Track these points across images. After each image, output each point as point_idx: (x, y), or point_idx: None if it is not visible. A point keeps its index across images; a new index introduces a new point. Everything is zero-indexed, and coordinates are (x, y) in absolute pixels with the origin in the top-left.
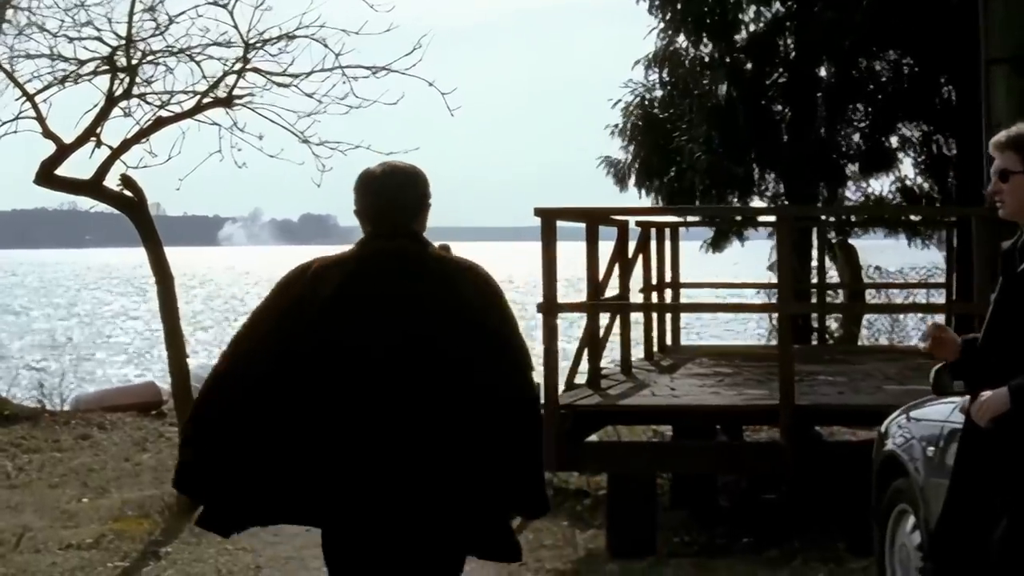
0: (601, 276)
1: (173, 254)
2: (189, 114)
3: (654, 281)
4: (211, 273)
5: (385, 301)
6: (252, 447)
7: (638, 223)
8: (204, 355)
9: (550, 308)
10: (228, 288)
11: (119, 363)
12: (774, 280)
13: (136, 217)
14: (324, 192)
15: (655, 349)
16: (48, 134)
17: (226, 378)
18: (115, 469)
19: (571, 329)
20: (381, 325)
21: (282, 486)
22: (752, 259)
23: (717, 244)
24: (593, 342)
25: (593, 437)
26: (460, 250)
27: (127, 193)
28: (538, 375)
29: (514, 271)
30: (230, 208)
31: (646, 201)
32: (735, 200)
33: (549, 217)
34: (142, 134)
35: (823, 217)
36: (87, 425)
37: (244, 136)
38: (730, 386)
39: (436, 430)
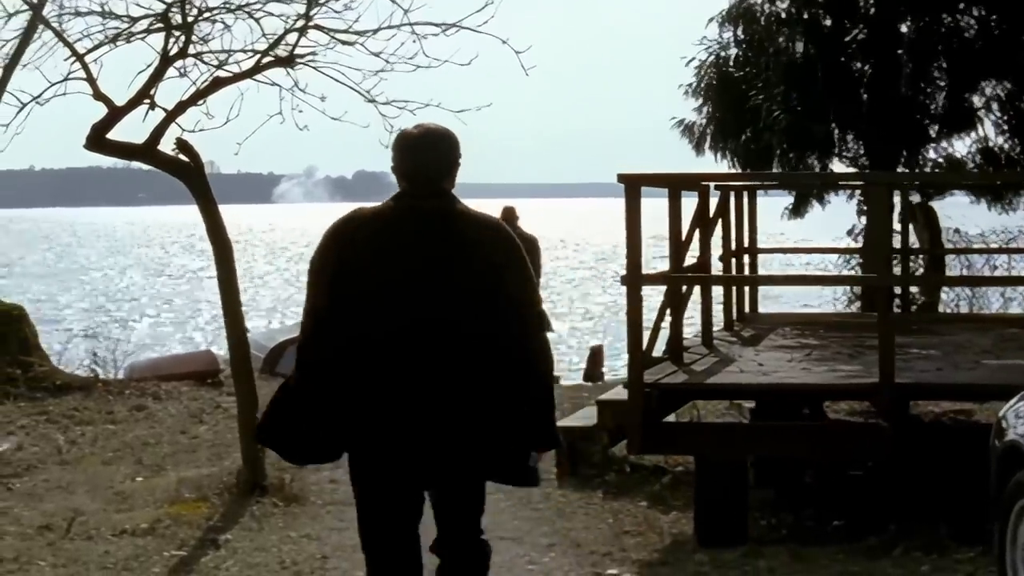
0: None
1: (228, 212)
2: (248, 74)
3: (733, 246)
4: (269, 231)
5: (417, 252)
6: (323, 388)
7: (717, 186)
8: (276, 317)
9: (635, 280)
10: (290, 247)
11: (176, 328)
12: (853, 245)
13: (192, 183)
14: (379, 149)
15: (734, 318)
16: (99, 96)
17: (305, 332)
18: (171, 443)
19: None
20: (414, 272)
21: (339, 420)
22: (822, 220)
23: (798, 210)
24: (675, 313)
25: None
26: (525, 206)
27: (183, 158)
28: (601, 349)
29: (568, 228)
30: (284, 165)
31: (723, 164)
32: (814, 161)
33: (633, 183)
34: (198, 95)
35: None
36: (141, 395)
37: (305, 97)
38: (819, 360)
39: (455, 373)
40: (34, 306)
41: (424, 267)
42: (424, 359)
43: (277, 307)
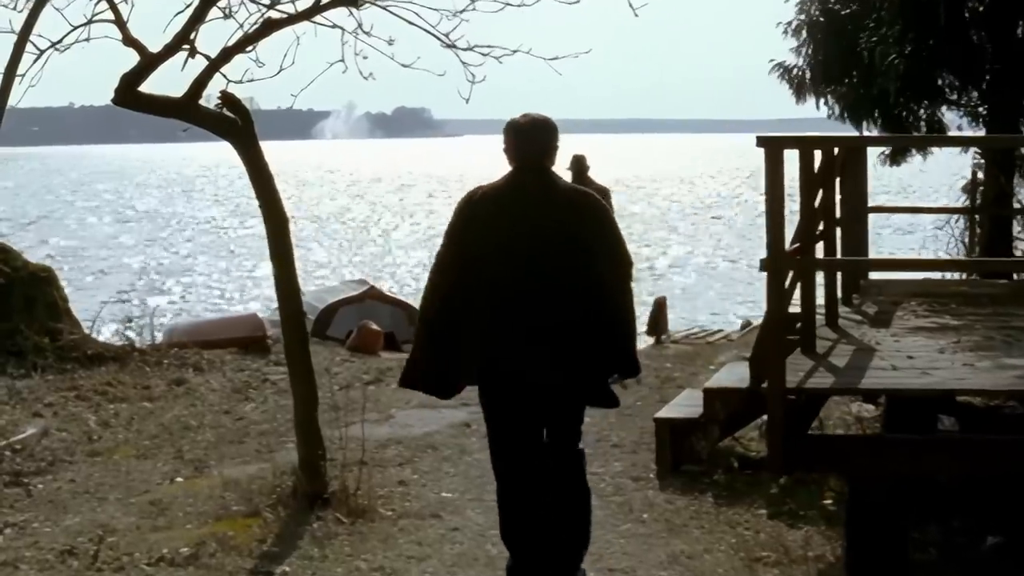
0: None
1: (270, 148)
2: (306, 15)
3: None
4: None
5: (527, 218)
6: (453, 333)
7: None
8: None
9: (779, 263)
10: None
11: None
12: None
13: (241, 143)
14: (418, 85)
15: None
16: (129, 41)
17: (436, 288)
18: (214, 427)
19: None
20: (524, 233)
21: (469, 356)
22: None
23: (895, 159)
24: (806, 293)
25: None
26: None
27: (229, 114)
28: (664, 301)
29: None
30: (324, 101)
31: (823, 111)
32: (922, 110)
33: (775, 148)
34: (247, 41)
35: None
36: (181, 366)
37: (370, 40)
38: (973, 350)
39: (560, 308)
40: (65, 264)
41: (531, 229)
42: (532, 303)
43: (331, 261)
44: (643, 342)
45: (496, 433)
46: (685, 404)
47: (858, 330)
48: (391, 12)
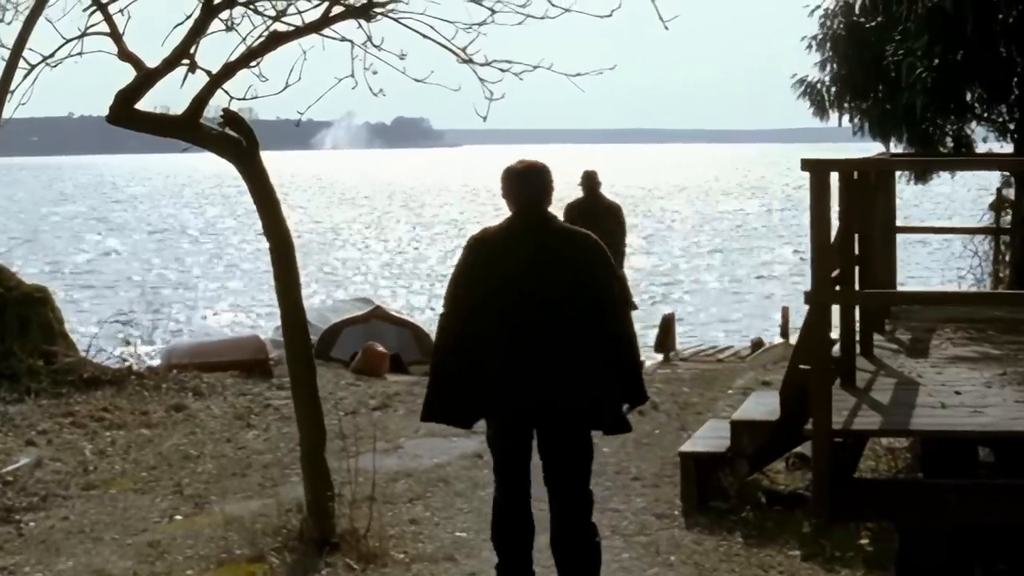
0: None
1: (269, 159)
2: (314, 28)
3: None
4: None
5: (528, 258)
6: (466, 367)
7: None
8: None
9: (823, 297)
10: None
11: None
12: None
13: (244, 164)
14: (417, 95)
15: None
16: (125, 55)
17: (447, 327)
18: (215, 457)
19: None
20: (528, 271)
21: (481, 390)
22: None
23: (923, 176)
24: (847, 329)
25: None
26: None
27: (231, 133)
28: (672, 317)
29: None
30: (323, 112)
31: (846, 126)
32: (948, 125)
33: (821, 171)
34: (251, 55)
35: None
36: (181, 390)
37: (379, 54)
38: (1023, 383)
39: (565, 339)
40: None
41: (534, 267)
42: (538, 335)
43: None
44: (651, 359)
45: (501, 461)
46: (710, 436)
47: (896, 360)
48: (404, 25)
